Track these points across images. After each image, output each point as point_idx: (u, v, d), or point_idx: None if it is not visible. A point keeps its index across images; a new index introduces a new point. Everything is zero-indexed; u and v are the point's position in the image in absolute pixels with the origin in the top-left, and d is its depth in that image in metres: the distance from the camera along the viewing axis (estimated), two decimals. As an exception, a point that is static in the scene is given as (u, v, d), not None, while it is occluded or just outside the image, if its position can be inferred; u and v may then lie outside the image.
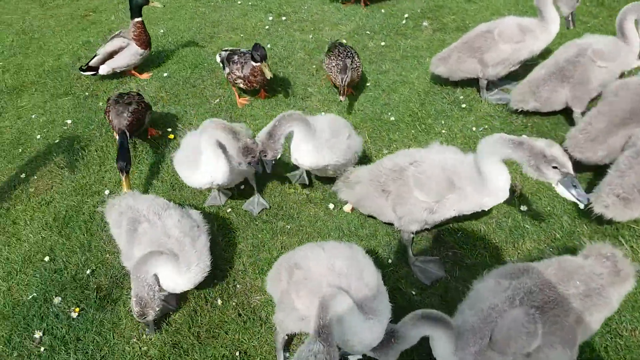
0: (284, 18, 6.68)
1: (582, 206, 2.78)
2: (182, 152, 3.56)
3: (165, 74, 5.69)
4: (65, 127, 4.99)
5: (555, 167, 2.66)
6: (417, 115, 4.71)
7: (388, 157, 3.40)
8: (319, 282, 2.46)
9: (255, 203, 3.91)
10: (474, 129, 4.49)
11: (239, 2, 7.25)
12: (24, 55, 6.52)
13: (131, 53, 5.41)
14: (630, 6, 4.14)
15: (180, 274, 2.87)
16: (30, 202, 4.14)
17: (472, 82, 4.87)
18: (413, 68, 5.37)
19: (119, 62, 5.45)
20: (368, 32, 6.13)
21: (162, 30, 6.68)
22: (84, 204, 4.04)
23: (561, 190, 2.72)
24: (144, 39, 5.39)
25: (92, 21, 7.35)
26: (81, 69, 5.54)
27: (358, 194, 3.40)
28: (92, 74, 5.55)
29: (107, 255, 3.61)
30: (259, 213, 3.85)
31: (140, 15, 5.35)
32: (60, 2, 8.29)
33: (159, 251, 2.85)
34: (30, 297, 3.36)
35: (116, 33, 5.53)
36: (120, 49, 5.39)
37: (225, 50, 5.13)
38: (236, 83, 4.90)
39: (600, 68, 4.10)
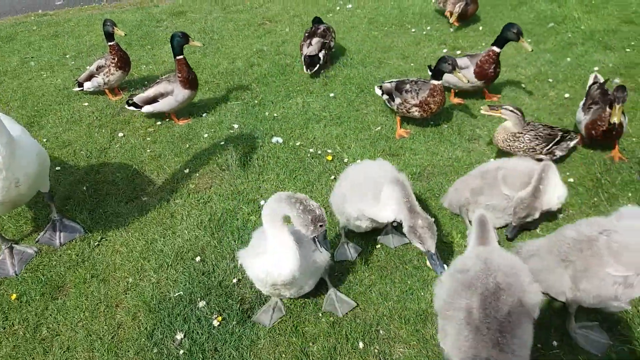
0: (458, 52, 6.41)
1: None
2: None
3: (331, 94, 5.67)
4: (232, 131, 5.14)
5: None
6: (600, 182, 4.18)
7: (569, 227, 3.01)
8: None
9: (335, 301, 3.29)
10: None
11: (413, 30, 7.12)
12: (202, 54, 6.91)
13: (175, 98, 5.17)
14: None
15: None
16: (189, 198, 4.27)
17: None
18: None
19: (161, 106, 5.22)
20: (550, 79, 5.65)
21: (333, 50, 6.73)
22: (239, 210, 4.08)
23: None
24: (187, 79, 5.11)
25: (268, 30, 7.63)
26: (127, 103, 5.34)
27: (533, 267, 3.03)
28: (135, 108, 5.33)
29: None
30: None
31: (182, 53, 5.09)
32: (240, 8, 8.76)
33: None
34: (177, 294, 3.41)
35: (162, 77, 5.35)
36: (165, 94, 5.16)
37: (390, 82, 4.99)
38: (410, 112, 4.75)
39: None
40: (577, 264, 2.84)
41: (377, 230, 3.68)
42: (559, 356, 2.91)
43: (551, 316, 3.12)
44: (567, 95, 5.36)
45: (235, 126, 5.20)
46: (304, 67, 6.02)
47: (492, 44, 5.03)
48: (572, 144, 4.33)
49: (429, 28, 7.16)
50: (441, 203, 3.95)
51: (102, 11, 9.24)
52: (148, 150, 4.96)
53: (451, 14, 6.88)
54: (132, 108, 5.32)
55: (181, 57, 5.06)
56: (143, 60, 6.91)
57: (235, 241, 3.77)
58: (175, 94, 5.12)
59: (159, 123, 5.38)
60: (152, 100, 5.20)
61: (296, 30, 7.46)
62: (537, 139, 4.23)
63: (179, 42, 5.03)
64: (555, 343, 2.96)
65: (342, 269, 3.53)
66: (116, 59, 5.66)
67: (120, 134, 5.24)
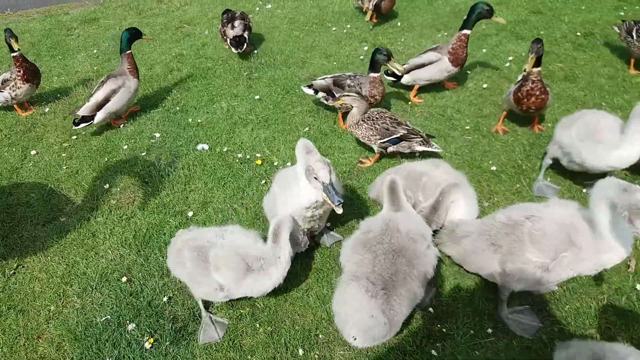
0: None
1: None
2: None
3: (256, 97, 5.56)
4: (153, 140, 4.92)
5: None
6: (522, 168, 4.33)
7: (501, 211, 3.13)
8: None
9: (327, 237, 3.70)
10: (584, 190, 4.07)
11: (334, 29, 7.12)
12: (118, 60, 6.59)
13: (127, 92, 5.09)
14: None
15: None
16: (111, 215, 4.04)
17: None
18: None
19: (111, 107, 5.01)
20: (468, 71, 5.80)
21: (255, 51, 6.61)
22: (166, 224, 3.90)
23: None
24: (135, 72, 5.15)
25: (186, 33, 7.41)
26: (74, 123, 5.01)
27: (465, 248, 3.12)
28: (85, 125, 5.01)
29: (186, 283, 3.43)
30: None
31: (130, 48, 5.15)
32: (156, 11, 8.46)
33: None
34: (104, 319, 3.20)
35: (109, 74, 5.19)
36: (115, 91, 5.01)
37: (323, 79, 4.96)
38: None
39: None
40: (504, 248, 2.94)
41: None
42: (494, 343, 2.96)
43: (484, 304, 3.19)
44: (485, 85, 5.53)
45: (157, 135, 4.98)
46: (233, 48, 6.27)
47: (462, 28, 5.01)
48: (417, 148, 4.33)
49: (349, 26, 7.19)
50: (369, 196, 3.95)
51: (6, 20, 8.64)
52: (64, 167, 4.66)
53: (367, 10, 6.93)
54: (82, 125, 4.94)
55: (129, 51, 5.14)
56: (54, 72, 6.50)
57: (163, 257, 3.60)
58: (127, 85, 5.04)
59: (74, 137, 5.07)
60: (104, 102, 4.95)
61: (215, 32, 7.27)
62: (372, 129, 4.34)
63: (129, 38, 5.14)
64: (489, 330, 3.02)
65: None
66: (22, 71, 5.28)
67: (33, 152, 4.89)
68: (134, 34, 5.16)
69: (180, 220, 3.92)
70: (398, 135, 4.29)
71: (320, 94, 5.05)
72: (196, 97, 5.64)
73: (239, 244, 2.99)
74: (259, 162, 4.53)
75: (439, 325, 3.06)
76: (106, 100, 4.96)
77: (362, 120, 4.37)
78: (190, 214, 3.97)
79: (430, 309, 3.15)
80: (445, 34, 6.71)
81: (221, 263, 2.89)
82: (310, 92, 5.13)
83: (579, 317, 3.09)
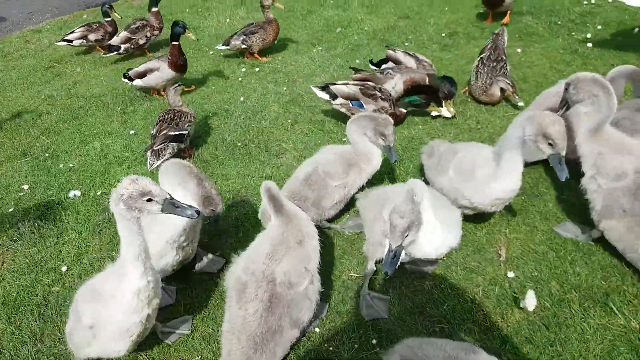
0: (257, 69, 6.49)
1: (562, 179, 3.06)
2: None
3: (132, 132, 5.38)
4: (21, 193, 4.62)
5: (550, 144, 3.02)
6: (395, 172, 4.48)
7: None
8: None
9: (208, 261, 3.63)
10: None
11: (211, 53, 7.06)
12: (-15, 111, 6.16)
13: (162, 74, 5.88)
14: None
15: None
16: (-23, 281, 3.74)
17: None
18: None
19: (149, 80, 5.90)
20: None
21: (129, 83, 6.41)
22: (37, 283, 3.64)
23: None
24: (176, 62, 5.84)
25: (57, 73, 7.06)
26: (124, 76, 5.99)
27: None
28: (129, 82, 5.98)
29: (62, 346, 3.21)
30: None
31: (178, 40, 5.83)
32: (23, 53, 8.02)
33: None
34: (-29, 400, 2.95)
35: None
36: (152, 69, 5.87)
37: (345, 84, 5.02)
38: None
39: None
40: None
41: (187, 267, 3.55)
42: (379, 353, 3.01)
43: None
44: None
45: (25, 187, 4.68)
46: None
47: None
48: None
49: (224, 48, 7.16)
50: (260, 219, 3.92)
51: None
52: None
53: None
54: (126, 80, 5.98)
55: (177, 43, 5.82)
56: None
57: (37, 320, 3.36)
58: (161, 70, 5.84)
59: None
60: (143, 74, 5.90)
61: (88, 68, 6.99)
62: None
63: (179, 31, 5.82)
64: (374, 341, 3.07)
65: (164, 312, 3.32)
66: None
67: None
68: (181, 27, 5.83)
69: (55, 277, 3.68)
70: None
71: (341, 101, 4.92)
72: (68, 140, 5.37)
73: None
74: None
75: (325, 345, 3.08)
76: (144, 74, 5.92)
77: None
78: (64, 269, 3.74)
79: (317, 329, 3.16)
80: (320, 48, 6.85)
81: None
82: (325, 96, 4.99)
83: (457, 314, 3.21)
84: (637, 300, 3.13)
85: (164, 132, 4.70)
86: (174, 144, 4.72)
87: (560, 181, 3.11)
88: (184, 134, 4.74)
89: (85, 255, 3.85)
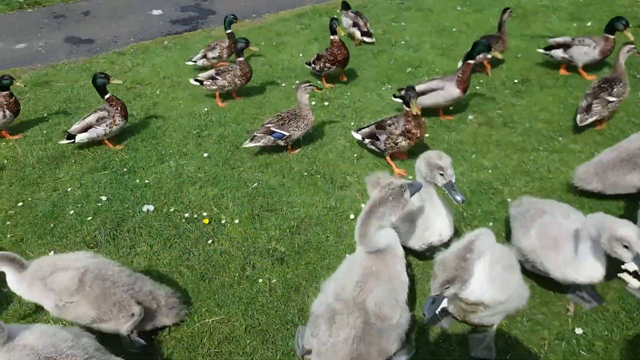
0: (326, 103, 6.66)
1: None
2: None
3: (205, 154, 5.62)
4: (100, 204, 4.90)
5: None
6: (462, 215, 4.46)
7: None
8: None
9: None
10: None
11: (283, 85, 7.31)
12: (67, 124, 6.58)
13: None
14: None
15: None
16: (55, 283, 3.96)
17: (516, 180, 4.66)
18: (458, 164, 5.17)
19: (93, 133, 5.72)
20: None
21: (205, 109, 6.71)
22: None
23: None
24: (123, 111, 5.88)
25: (137, 94, 7.46)
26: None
27: None
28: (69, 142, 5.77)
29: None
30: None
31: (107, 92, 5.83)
32: (108, 73, 8.47)
33: None
34: None
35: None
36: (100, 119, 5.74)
37: (367, 126, 5.34)
38: (397, 143, 5.05)
39: None
40: None
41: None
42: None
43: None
44: (427, 135, 5.72)
45: (104, 198, 4.96)
46: None
47: (465, 59, 5.84)
48: None
49: (297, 82, 7.38)
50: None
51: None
52: (8, 235, 4.58)
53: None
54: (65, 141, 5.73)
55: (109, 95, 5.83)
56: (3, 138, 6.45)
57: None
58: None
59: (20, 204, 5.01)
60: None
61: (167, 91, 7.37)
62: None
63: (103, 82, 5.77)
64: None
65: (221, 337, 3.42)
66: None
67: (-25, 220, 4.80)
68: (103, 78, 5.78)
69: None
70: None
71: (367, 140, 5.31)
72: (145, 157, 5.67)
73: None
74: (206, 220, 4.55)
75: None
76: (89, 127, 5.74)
77: None
78: (135, 278, 3.92)
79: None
80: (389, 86, 6.96)
81: None
82: (359, 137, 5.38)
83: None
84: None
85: (269, 125, 5.35)
86: (272, 137, 5.33)
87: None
88: (284, 135, 5.30)
89: (155, 268, 4.03)
